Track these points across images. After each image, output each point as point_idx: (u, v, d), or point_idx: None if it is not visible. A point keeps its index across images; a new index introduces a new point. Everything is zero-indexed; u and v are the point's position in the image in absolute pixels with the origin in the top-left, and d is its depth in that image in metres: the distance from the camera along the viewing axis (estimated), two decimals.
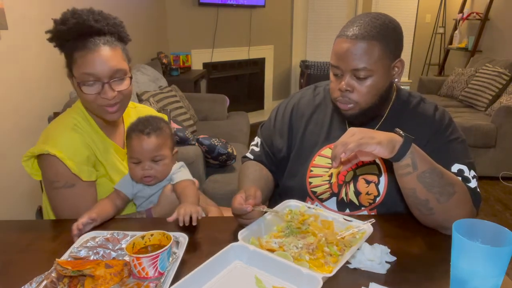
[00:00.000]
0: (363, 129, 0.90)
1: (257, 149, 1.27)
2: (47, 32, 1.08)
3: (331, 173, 1.07)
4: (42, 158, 1.08)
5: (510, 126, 3.14)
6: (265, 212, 0.96)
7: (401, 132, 0.89)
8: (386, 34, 0.96)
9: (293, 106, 1.22)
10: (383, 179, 1.08)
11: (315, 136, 1.16)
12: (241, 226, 0.93)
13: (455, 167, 1.01)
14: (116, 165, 1.18)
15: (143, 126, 1.10)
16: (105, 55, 1.05)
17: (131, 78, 1.12)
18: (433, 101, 1.15)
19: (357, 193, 1.10)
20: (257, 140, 1.29)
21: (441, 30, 5.57)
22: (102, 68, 1.04)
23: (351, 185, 1.10)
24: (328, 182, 1.12)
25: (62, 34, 1.05)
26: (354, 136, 0.87)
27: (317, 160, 1.13)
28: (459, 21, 5.15)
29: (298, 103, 1.22)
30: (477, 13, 4.78)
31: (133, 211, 1.19)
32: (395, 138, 0.88)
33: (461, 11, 5.15)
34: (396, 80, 1.04)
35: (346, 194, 1.11)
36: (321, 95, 1.21)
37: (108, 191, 1.15)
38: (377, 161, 1.09)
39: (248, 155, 1.28)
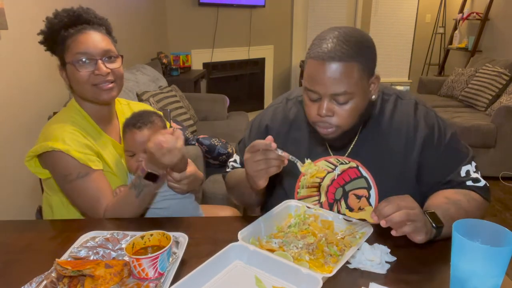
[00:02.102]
0: (420, 210, 0.85)
1: (237, 165, 1.21)
2: (39, 33, 1.13)
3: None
4: (47, 156, 1.09)
5: (510, 126, 3.14)
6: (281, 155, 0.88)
7: (433, 225, 0.86)
8: (362, 52, 0.89)
9: (267, 123, 1.14)
10: (373, 192, 1.05)
11: (296, 151, 1.07)
12: (241, 226, 0.92)
13: (463, 170, 1.01)
14: (113, 160, 1.20)
15: (135, 120, 1.16)
16: (96, 36, 1.12)
17: (122, 57, 1.17)
18: (411, 97, 1.07)
19: (350, 209, 1.07)
20: (235, 157, 1.23)
21: (441, 30, 5.57)
22: (94, 46, 1.10)
23: (342, 202, 1.07)
24: (317, 201, 1.09)
25: (54, 26, 1.11)
26: (412, 214, 0.82)
27: (303, 180, 1.07)
28: (459, 21, 5.15)
29: (272, 121, 1.14)
30: (477, 13, 4.78)
31: None
32: (431, 228, 0.86)
33: (461, 11, 5.15)
34: (373, 97, 0.97)
35: (339, 211, 1.08)
36: (293, 110, 1.13)
37: (111, 183, 1.15)
38: (364, 173, 1.05)
39: (229, 170, 1.23)
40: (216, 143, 2.31)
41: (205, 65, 4.64)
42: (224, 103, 3.55)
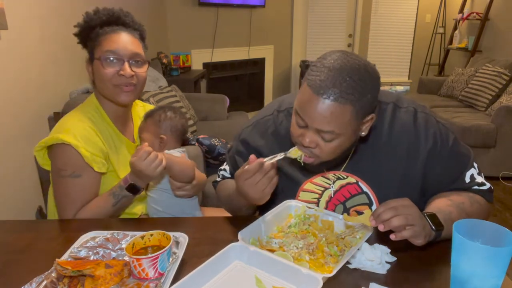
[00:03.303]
0: (418, 213, 0.83)
1: (227, 174, 1.19)
2: (75, 25, 1.15)
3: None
4: (54, 147, 1.10)
5: (510, 126, 3.14)
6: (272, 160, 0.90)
7: (433, 227, 0.85)
8: (361, 96, 0.82)
9: (257, 137, 1.08)
10: (375, 208, 0.99)
11: (291, 171, 1.06)
12: (241, 226, 0.92)
13: (468, 175, 1.00)
14: (124, 160, 1.20)
15: (146, 112, 1.29)
16: (128, 39, 1.14)
17: (149, 63, 1.19)
18: (409, 104, 1.01)
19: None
20: (225, 167, 1.20)
21: (441, 30, 5.57)
22: (124, 48, 1.12)
23: None
24: None
25: (92, 22, 1.13)
26: (411, 219, 0.81)
27: (302, 195, 1.07)
28: (459, 21, 5.15)
29: (264, 133, 1.08)
30: (477, 13, 4.78)
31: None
32: (430, 230, 0.85)
33: (461, 11, 5.14)
34: (363, 134, 0.92)
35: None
36: (284, 124, 1.06)
37: (113, 185, 1.16)
38: (365, 189, 1.02)
39: (219, 180, 1.21)
40: (216, 143, 2.31)
41: (205, 65, 4.64)
42: (224, 103, 3.55)
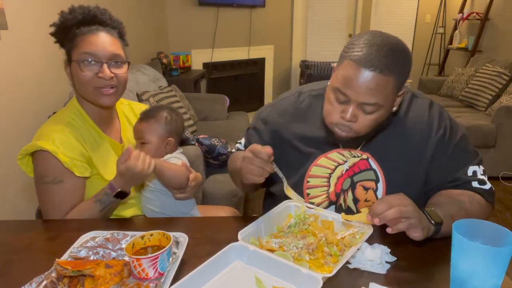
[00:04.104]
0: (414, 207, 0.84)
1: (241, 147, 1.24)
2: (51, 25, 1.11)
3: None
4: (35, 155, 1.09)
5: (510, 126, 3.14)
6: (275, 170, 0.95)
7: (432, 221, 0.87)
8: (401, 69, 0.88)
9: (277, 115, 1.14)
10: (381, 185, 1.05)
11: (306, 146, 1.10)
12: (241, 226, 0.92)
13: (470, 170, 1.02)
14: (110, 162, 1.18)
15: (144, 111, 1.25)
16: (106, 39, 1.10)
17: (129, 63, 1.16)
18: (425, 95, 1.09)
19: (356, 200, 1.08)
20: (242, 140, 1.25)
21: (441, 30, 5.57)
22: (103, 49, 1.09)
23: (349, 193, 1.08)
24: (326, 192, 1.09)
25: (67, 22, 1.09)
26: (405, 211, 0.82)
27: (314, 170, 1.09)
28: (459, 21, 5.15)
29: (282, 113, 1.13)
30: (477, 13, 4.78)
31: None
32: (429, 224, 0.86)
33: (461, 11, 5.15)
34: (394, 109, 0.98)
35: (344, 201, 1.08)
36: (306, 102, 1.12)
37: (99, 188, 1.13)
38: (374, 166, 1.06)
39: (234, 151, 1.26)
40: (216, 143, 2.31)
41: (205, 65, 4.64)
42: (224, 103, 3.55)
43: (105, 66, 1.09)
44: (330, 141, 1.06)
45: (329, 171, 1.09)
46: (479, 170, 1.03)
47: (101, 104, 1.14)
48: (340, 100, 0.92)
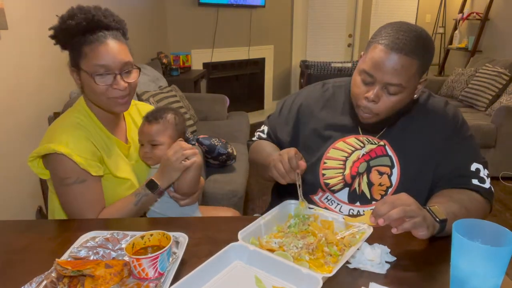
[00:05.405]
0: (417, 205, 0.85)
1: (264, 135, 1.30)
2: (50, 28, 1.09)
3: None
4: (49, 158, 1.08)
5: (510, 126, 3.14)
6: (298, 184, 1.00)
7: (437, 219, 0.87)
8: (425, 54, 0.96)
9: (301, 102, 1.23)
10: (396, 171, 1.10)
11: (326, 130, 1.16)
12: (241, 226, 0.93)
13: (474, 166, 1.06)
14: (118, 161, 1.19)
15: (150, 114, 1.24)
16: (115, 48, 1.08)
17: (139, 69, 1.16)
18: (441, 96, 1.17)
19: (370, 184, 1.11)
20: (264, 128, 1.31)
21: (441, 30, 5.57)
22: (114, 60, 1.07)
23: (364, 177, 1.12)
24: (341, 173, 1.13)
25: (70, 28, 1.06)
26: (409, 210, 0.82)
27: (331, 152, 1.15)
28: (459, 21, 5.15)
29: (306, 99, 1.22)
30: (477, 13, 4.78)
31: None
32: (433, 222, 0.87)
33: (461, 11, 5.14)
34: (415, 96, 1.05)
35: (359, 185, 1.12)
36: (330, 91, 1.22)
37: (113, 187, 1.16)
38: (390, 152, 1.11)
39: (255, 139, 1.31)
40: (216, 143, 2.31)
41: (205, 65, 4.64)
42: (224, 103, 3.55)
43: (118, 77, 1.08)
44: (350, 127, 1.14)
45: (346, 154, 1.13)
46: (483, 170, 1.06)
47: (116, 112, 1.15)
48: (366, 81, 0.99)
